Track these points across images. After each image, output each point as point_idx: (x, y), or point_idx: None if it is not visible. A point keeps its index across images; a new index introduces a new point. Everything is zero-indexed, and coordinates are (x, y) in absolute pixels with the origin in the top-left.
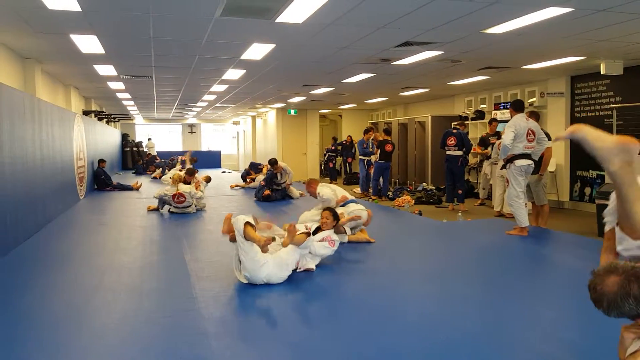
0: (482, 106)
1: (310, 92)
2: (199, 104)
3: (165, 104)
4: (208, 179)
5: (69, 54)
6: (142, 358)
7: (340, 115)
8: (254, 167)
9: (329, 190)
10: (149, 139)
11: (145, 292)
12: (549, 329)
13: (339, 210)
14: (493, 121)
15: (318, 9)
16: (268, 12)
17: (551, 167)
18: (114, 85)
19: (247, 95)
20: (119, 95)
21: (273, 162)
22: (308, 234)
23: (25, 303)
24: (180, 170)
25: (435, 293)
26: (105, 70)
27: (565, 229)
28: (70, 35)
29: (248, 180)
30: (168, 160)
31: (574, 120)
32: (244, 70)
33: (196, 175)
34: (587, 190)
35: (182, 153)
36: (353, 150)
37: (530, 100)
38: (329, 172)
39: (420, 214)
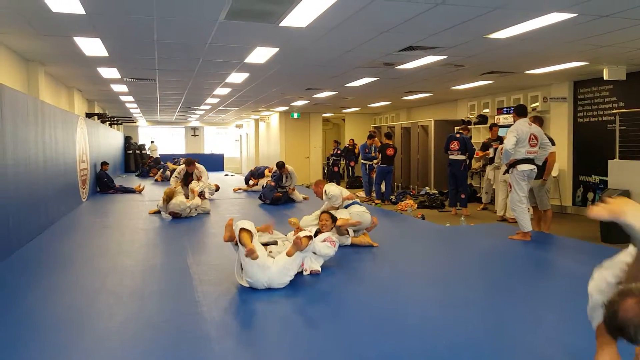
0: (485, 111)
1: (314, 96)
2: (202, 107)
3: (168, 107)
4: (217, 188)
5: (73, 57)
6: None
7: (344, 119)
8: (255, 175)
9: (335, 188)
10: (152, 142)
11: (148, 295)
12: (551, 333)
13: (343, 212)
14: (494, 126)
15: (322, 13)
16: (272, 16)
17: (554, 172)
18: (117, 88)
19: (250, 99)
20: (122, 97)
21: (281, 166)
22: (310, 237)
23: (27, 305)
24: (176, 177)
25: (437, 297)
26: (109, 73)
27: (568, 234)
28: (74, 37)
29: (251, 183)
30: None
31: (576, 125)
32: (248, 74)
33: (196, 164)
34: (590, 195)
35: (185, 156)
36: (356, 154)
37: (533, 105)
38: (333, 176)
39: (423, 218)
